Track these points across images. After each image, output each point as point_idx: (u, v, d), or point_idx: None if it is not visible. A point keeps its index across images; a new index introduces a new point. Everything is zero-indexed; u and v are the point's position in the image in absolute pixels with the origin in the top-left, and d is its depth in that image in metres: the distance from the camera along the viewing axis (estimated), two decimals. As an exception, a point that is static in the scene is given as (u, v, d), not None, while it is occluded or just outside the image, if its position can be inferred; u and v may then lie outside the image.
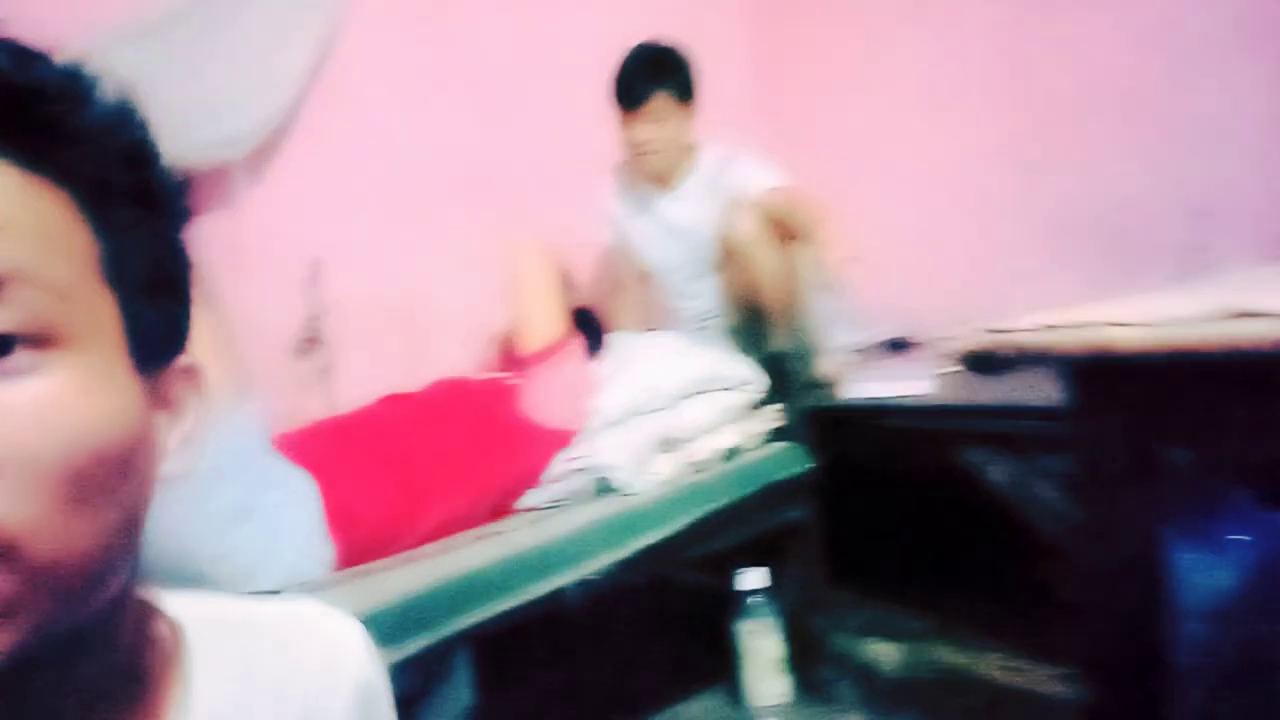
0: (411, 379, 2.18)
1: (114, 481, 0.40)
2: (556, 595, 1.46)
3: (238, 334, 1.93)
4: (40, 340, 0.37)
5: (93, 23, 1.87)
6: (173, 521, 1.26)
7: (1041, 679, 1.72)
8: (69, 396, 0.38)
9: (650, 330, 2.39)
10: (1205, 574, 1.02)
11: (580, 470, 1.65)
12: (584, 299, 2.03)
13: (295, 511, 1.35)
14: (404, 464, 1.51)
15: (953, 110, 2.63)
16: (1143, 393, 0.74)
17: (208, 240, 2.21)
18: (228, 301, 2.08)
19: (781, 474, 1.80)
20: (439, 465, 1.54)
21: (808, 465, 1.83)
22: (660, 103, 2.09)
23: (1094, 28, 2.26)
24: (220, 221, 2.21)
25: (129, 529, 0.41)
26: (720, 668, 1.86)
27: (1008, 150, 2.50)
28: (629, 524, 1.57)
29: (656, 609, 2.25)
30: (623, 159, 2.29)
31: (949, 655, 1.87)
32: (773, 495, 1.78)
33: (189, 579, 1.26)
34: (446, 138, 2.54)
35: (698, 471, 1.73)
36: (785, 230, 2.04)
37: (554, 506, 1.64)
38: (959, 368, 0.81)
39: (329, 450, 1.46)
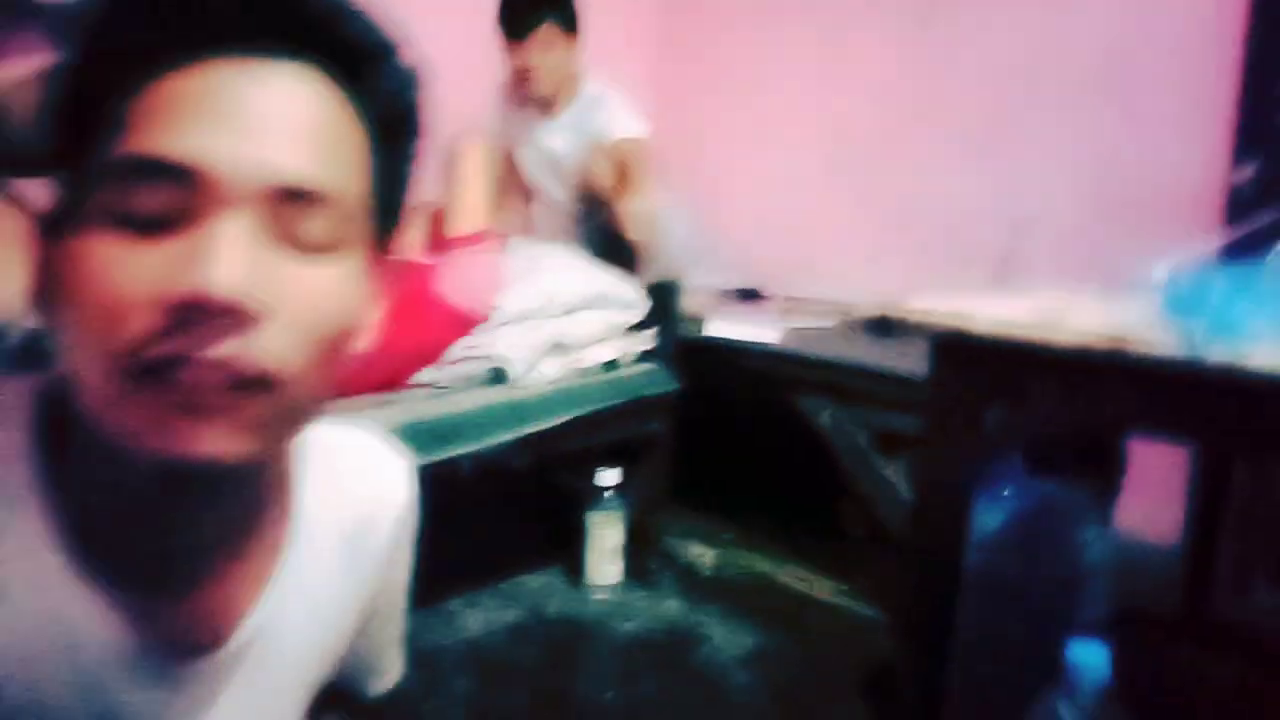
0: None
1: (345, 348, 0.51)
2: (451, 464, 1.63)
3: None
4: (331, 240, 0.48)
5: None
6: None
7: (825, 590, 2.08)
8: (341, 284, 0.49)
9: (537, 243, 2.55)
10: (985, 516, 1.34)
11: (477, 358, 1.81)
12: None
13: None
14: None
15: (835, 95, 2.88)
16: (978, 365, 1.01)
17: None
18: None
19: (649, 390, 2.03)
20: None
21: (671, 387, 2.08)
22: (546, 32, 2.20)
23: (959, 55, 2.57)
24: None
25: (335, 379, 0.53)
26: (559, 553, 2.11)
27: (870, 143, 2.78)
28: (518, 412, 1.76)
29: (515, 494, 2.45)
30: (506, 83, 2.40)
31: (756, 563, 2.21)
32: (639, 408, 2.01)
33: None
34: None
35: (580, 377, 1.93)
36: (624, 177, 2.25)
37: (446, 389, 1.80)
38: (856, 328, 1.05)
39: None
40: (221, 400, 0.44)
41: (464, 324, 1.82)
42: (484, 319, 1.84)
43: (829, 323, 2.55)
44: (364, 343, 0.55)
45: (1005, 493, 1.40)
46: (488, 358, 1.81)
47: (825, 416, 2.07)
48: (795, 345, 2.25)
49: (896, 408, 1.91)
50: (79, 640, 0.50)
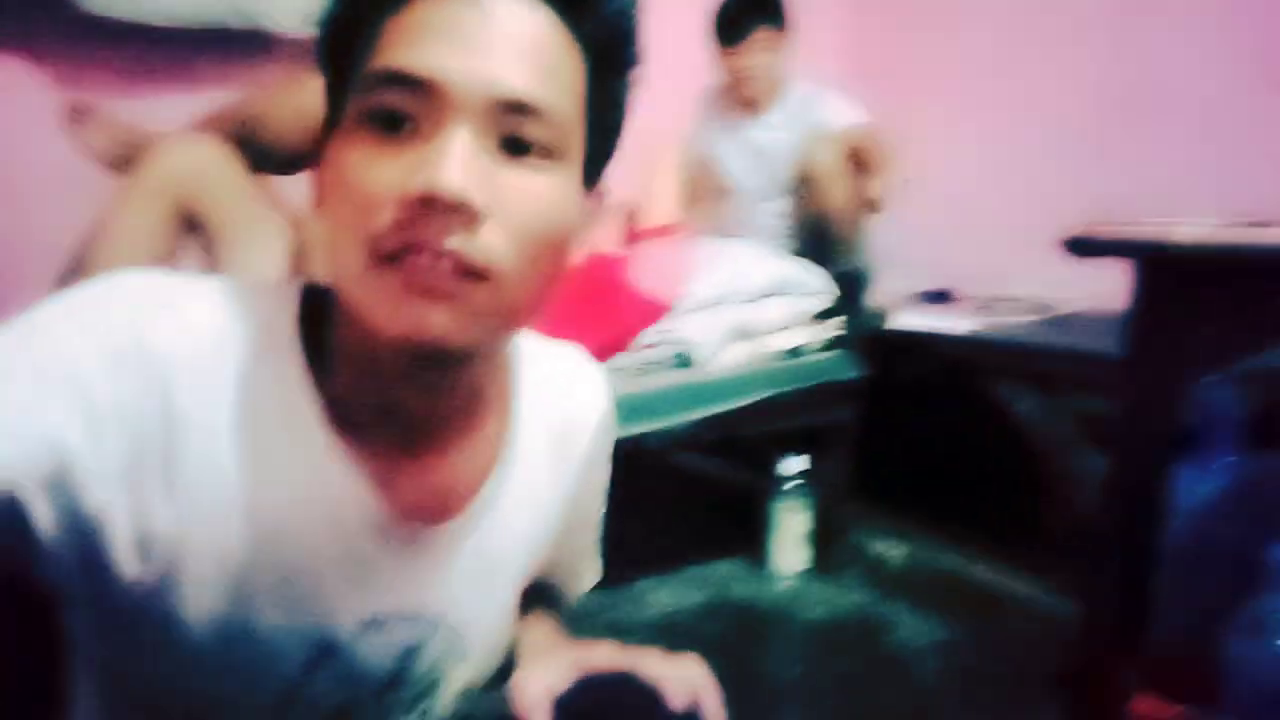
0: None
1: (558, 255, 0.57)
2: (637, 440, 1.72)
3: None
4: (547, 153, 0.54)
5: None
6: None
7: (1024, 588, 1.99)
8: (555, 193, 0.55)
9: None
10: (1195, 483, 1.26)
11: (665, 343, 1.89)
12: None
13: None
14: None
15: (1025, 91, 2.77)
16: (1185, 278, 0.95)
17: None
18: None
19: (834, 376, 2.04)
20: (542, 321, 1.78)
21: (857, 373, 2.07)
22: (763, 34, 2.30)
23: (1173, 37, 2.41)
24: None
25: (549, 287, 0.58)
26: (745, 542, 2.14)
27: (1077, 134, 2.65)
28: (703, 393, 1.83)
29: (701, 482, 2.52)
30: (715, 85, 2.50)
31: (948, 559, 2.14)
32: (823, 394, 2.02)
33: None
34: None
35: (765, 362, 1.97)
36: (859, 163, 2.25)
37: (635, 372, 1.89)
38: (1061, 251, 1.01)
39: None
40: (448, 285, 0.51)
41: (653, 312, 1.91)
42: (672, 307, 1.92)
43: (1028, 319, 2.45)
44: (577, 255, 0.61)
45: (1220, 462, 1.31)
46: (675, 342, 1.88)
47: (1023, 405, 2.00)
48: (990, 332, 2.19)
49: (1102, 393, 1.81)
50: (341, 508, 0.58)
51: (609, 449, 0.80)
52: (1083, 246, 0.96)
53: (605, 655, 0.67)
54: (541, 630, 0.80)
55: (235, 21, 2.12)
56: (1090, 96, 2.58)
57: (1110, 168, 2.52)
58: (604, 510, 0.84)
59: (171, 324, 0.53)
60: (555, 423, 0.72)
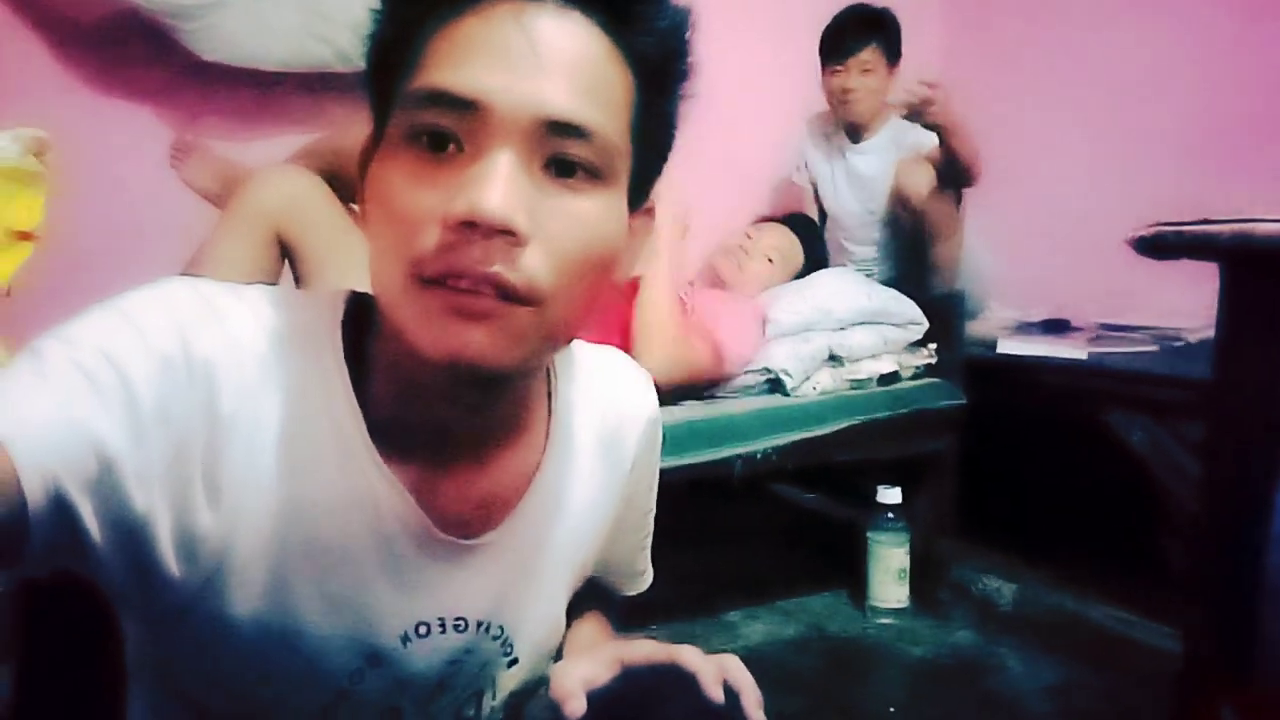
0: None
1: (602, 276, 0.55)
2: (724, 463, 1.67)
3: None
4: (593, 175, 0.53)
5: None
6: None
7: (1147, 632, 1.83)
8: (600, 215, 0.53)
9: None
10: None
11: (752, 369, 1.85)
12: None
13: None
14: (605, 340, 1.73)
15: (1134, 110, 2.64)
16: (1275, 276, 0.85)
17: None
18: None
19: (929, 403, 1.95)
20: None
21: (954, 401, 1.98)
22: (870, 55, 2.23)
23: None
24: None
25: (593, 306, 0.56)
26: (843, 577, 2.06)
27: (1184, 158, 2.48)
28: (790, 417, 1.77)
29: (798, 515, 2.44)
30: (821, 110, 2.44)
31: (1063, 599, 2.00)
32: (918, 421, 1.93)
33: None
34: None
35: (855, 388, 1.90)
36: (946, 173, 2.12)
37: (726, 396, 1.85)
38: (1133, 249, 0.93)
39: None
40: (490, 307, 0.50)
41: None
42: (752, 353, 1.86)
43: (1145, 347, 2.30)
44: (623, 276, 0.59)
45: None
46: (763, 369, 1.84)
47: (1138, 435, 1.86)
48: (1102, 359, 2.06)
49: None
50: (382, 517, 0.57)
51: (658, 447, 0.78)
52: (1157, 246, 0.86)
53: (644, 649, 0.65)
54: (589, 629, 0.78)
55: (338, 64, 2.20)
56: (1213, 106, 2.42)
57: (1238, 182, 2.34)
58: (654, 510, 0.81)
59: (217, 330, 0.53)
60: (602, 424, 0.71)
